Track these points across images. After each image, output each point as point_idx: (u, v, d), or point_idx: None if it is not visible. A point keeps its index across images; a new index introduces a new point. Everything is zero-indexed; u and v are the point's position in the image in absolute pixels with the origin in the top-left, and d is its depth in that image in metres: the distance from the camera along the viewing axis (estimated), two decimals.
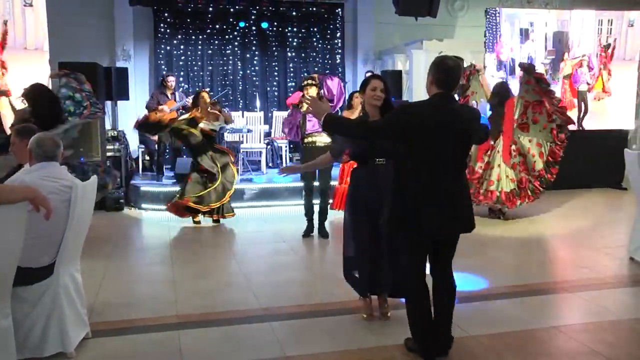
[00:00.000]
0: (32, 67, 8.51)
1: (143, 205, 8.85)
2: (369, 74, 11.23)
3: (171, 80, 10.01)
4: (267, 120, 11.92)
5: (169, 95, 9.92)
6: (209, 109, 7.73)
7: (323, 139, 7.03)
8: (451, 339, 3.82)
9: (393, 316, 4.45)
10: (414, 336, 3.81)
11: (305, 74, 12.37)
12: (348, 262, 4.52)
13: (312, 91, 7.11)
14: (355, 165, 4.57)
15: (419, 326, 3.75)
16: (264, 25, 12.49)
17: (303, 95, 7.15)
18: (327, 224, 7.22)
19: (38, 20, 8.30)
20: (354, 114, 7.41)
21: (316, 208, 7.21)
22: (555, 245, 7.05)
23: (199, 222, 7.85)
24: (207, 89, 11.21)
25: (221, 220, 7.88)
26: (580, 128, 9.99)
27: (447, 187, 3.60)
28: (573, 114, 9.78)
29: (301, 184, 7.86)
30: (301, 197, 8.44)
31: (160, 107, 9.63)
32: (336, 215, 7.52)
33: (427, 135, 3.52)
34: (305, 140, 7.17)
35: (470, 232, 3.72)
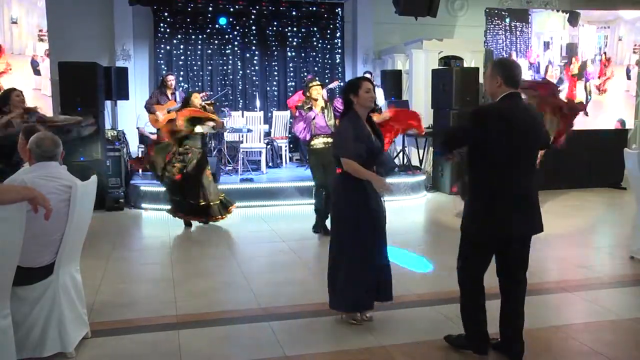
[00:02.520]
0: (15, 70, 8.83)
1: (143, 205, 8.84)
2: (367, 74, 11.34)
3: (171, 80, 9.96)
4: (267, 120, 11.92)
5: (169, 95, 9.88)
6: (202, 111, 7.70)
7: (328, 140, 7.05)
8: (523, 344, 3.81)
9: (392, 316, 4.46)
10: (468, 332, 3.85)
11: (305, 74, 12.43)
12: (348, 276, 4.27)
13: (317, 91, 7.13)
14: (344, 175, 4.31)
15: (476, 323, 3.80)
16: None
17: (308, 97, 7.20)
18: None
19: (22, 32, 8.88)
20: None
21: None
22: (556, 244, 7.04)
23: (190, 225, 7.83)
24: (208, 91, 11.27)
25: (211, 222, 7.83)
26: (585, 114, 10.70)
27: (522, 187, 3.64)
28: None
29: (300, 183, 7.87)
30: (299, 197, 8.47)
31: (156, 113, 9.61)
32: None
33: (509, 138, 3.52)
34: (312, 143, 7.16)
35: (542, 232, 3.76)
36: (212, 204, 7.63)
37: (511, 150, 3.56)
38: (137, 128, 10.88)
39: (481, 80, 10.28)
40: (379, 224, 4.35)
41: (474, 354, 3.84)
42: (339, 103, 7.02)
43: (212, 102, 8.08)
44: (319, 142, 7.13)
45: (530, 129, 3.64)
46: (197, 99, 7.72)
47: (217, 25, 12.34)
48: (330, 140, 7.04)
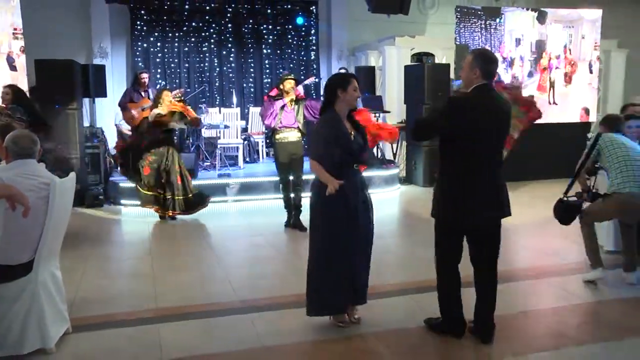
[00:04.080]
0: None
1: (122, 202, 8.74)
2: (342, 70, 11.31)
3: (144, 77, 9.80)
4: (244, 116, 11.86)
5: (142, 93, 9.77)
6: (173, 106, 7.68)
7: (294, 134, 7.08)
8: (493, 326, 3.92)
9: (368, 305, 4.44)
10: (444, 315, 3.98)
11: (281, 71, 12.38)
12: (324, 279, 4.07)
13: (290, 84, 7.12)
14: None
15: (451, 306, 3.92)
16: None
17: (280, 90, 7.20)
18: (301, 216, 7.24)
19: None
20: None
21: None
22: (523, 233, 7.13)
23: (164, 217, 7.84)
24: (185, 88, 11.18)
25: (179, 216, 7.84)
26: (553, 103, 11.48)
27: (492, 176, 3.76)
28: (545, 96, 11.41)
29: (277, 178, 7.86)
30: (276, 192, 8.45)
31: (131, 111, 9.52)
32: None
33: (479, 128, 3.65)
34: (277, 136, 7.16)
35: (510, 216, 3.86)
36: (176, 198, 7.66)
37: (482, 139, 3.67)
38: (116, 125, 10.77)
39: (452, 75, 10.37)
40: (359, 225, 4.07)
41: (449, 337, 3.93)
42: (313, 104, 7.04)
43: (183, 99, 8.01)
44: (283, 137, 7.13)
45: (499, 119, 3.76)
46: (167, 96, 7.69)
47: (193, 23, 12.25)
48: (297, 134, 7.09)
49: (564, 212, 5.14)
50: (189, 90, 11.51)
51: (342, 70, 11.37)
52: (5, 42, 8.92)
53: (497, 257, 3.92)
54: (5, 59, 8.93)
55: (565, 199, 5.17)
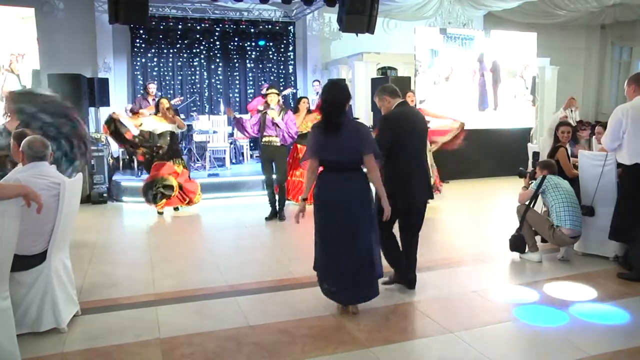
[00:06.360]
0: None
1: (124, 199, 8.71)
2: (316, 83, 11.33)
3: (152, 87, 9.94)
4: (230, 122, 11.80)
5: (150, 101, 9.77)
6: (167, 114, 7.68)
7: (276, 139, 7.17)
8: (415, 277, 4.51)
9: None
10: (395, 269, 4.52)
11: (262, 82, 12.44)
12: (326, 274, 4.00)
13: (274, 99, 7.17)
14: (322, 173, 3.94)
15: (396, 262, 4.49)
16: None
17: (266, 103, 7.26)
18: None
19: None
20: (299, 117, 7.57)
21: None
22: (473, 223, 7.23)
23: (162, 213, 7.81)
24: (170, 96, 11.17)
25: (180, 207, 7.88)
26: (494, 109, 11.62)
27: (422, 168, 4.42)
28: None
29: (260, 177, 7.91)
30: (260, 189, 8.49)
31: (141, 112, 9.50)
32: (291, 204, 7.60)
33: (408, 132, 4.29)
34: (263, 140, 7.27)
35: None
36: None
37: (413, 140, 4.32)
38: None
39: (413, 87, 10.48)
40: (347, 218, 3.85)
41: (406, 304, 4.25)
42: (291, 120, 7.14)
43: (170, 106, 8.09)
44: (267, 140, 7.24)
45: (419, 124, 4.49)
46: (162, 104, 7.73)
47: (186, 41, 12.24)
48: (278, 140, 7.16)
49: (518, 243, 5.52)
50: (183, 98, 11.49)
51: (316, 83, 11.44)
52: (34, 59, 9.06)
53: (421, 227, 4.48)
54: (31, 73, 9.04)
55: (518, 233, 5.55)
